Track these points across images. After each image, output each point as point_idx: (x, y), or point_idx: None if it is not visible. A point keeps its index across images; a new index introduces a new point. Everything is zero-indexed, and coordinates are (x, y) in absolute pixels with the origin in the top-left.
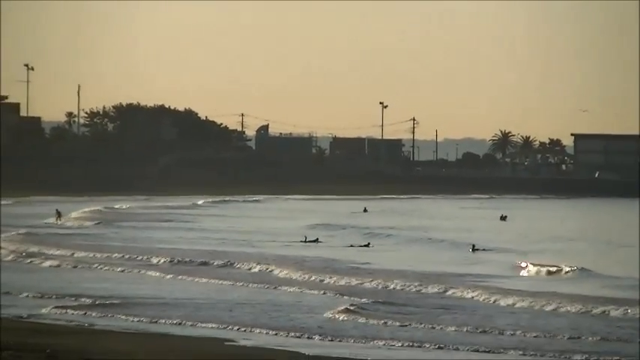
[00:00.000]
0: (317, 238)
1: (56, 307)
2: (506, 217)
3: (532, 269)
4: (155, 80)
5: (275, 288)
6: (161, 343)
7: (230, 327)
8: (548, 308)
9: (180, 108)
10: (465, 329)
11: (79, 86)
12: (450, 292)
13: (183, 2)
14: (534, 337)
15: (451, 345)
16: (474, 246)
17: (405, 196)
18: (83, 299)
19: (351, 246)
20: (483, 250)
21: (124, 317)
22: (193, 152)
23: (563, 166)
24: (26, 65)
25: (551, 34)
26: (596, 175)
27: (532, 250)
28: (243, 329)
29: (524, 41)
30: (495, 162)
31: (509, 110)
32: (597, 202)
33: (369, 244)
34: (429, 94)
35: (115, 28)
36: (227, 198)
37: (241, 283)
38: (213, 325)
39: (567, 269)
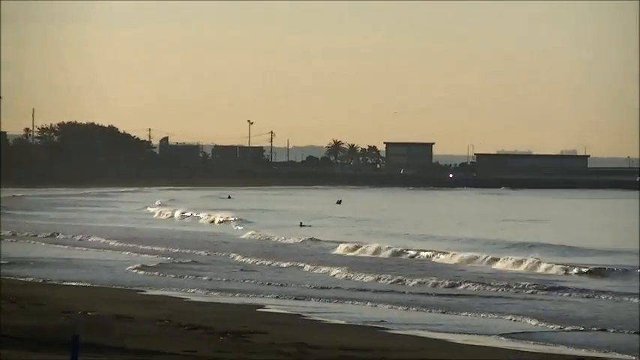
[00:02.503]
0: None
1: None
2: (340, 201)
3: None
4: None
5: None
6: None
7: (50, 280)
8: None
9: (106, 124)
10: (210, 278)
11: (33, 109)
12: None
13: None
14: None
15: (198, 289)
16: (301, 223)
17: (265, 188)
18: None
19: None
20: (309, 225)
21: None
22: (114, 157)
23: (378, 165)
24: None
25: (365, 47)
26: (401, 171)
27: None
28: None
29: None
30: (330, 163)
31: (340, 121)
32: (400, 191)
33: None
34: (283, 111)
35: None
36: (131, 189)
37: (66, 247)
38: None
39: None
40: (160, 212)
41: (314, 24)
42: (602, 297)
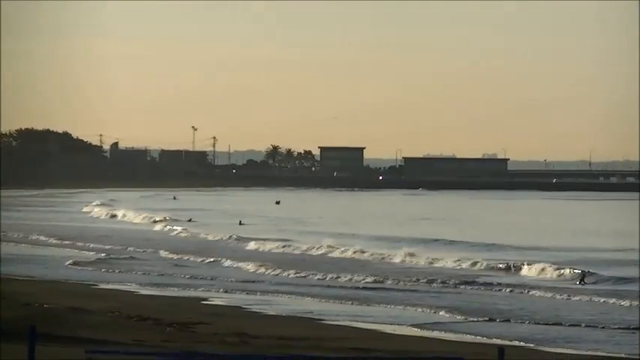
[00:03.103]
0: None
1: None
2: (279, 201)
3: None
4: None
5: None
6: None
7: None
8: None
9: (60, 130)
10: (147, 272)
11: None
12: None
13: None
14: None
15: (142, 283)
16: (240, 221)
17: (209, 189)
18: None
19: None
20: (248, 224)
21: None
22: (68, 161)
23: (313, 168)
24: None
25: (302, 59)
26: (335, 174)
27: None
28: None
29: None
30: (268, 166)
31: (279, 127)
32: (333, 192)
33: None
34: (225, 118)
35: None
36: (82, 190)
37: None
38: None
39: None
40: (99, 212)
41: (254, 35)
42: (507, 290)
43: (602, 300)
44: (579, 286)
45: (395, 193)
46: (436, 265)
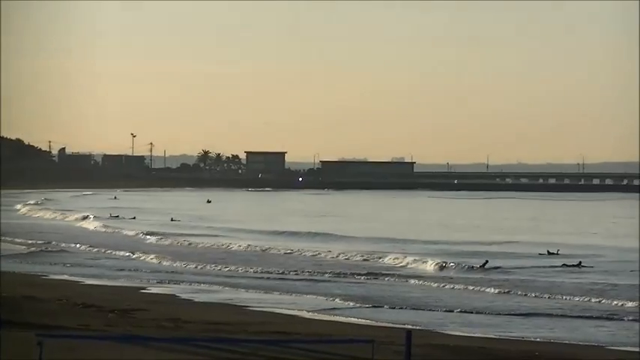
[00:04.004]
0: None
1: None
2: (210, 200)
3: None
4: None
5: None
6: None
7: None
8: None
9: (13, 137)
10: (79, 264)
11: None
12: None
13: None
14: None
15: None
16: (172, 218)
17: (147, 190)
18: None
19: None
20: (179, 220)
21: None
22: (20, 165)
23: (240, 171)
24: None
25: (232, 72)
26: (259, 176)
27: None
28: None
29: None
30: (200, 169)
31: (209, 133)
32: (258, 192)
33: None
34: (161, 125)
35: None
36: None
37: None
38: None
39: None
40: (31, 210)
41: (193, 51)
42: (390, 280)
43: (472, 288)
44: (478, 272)
45: (308, 193)
46: (330, 257)
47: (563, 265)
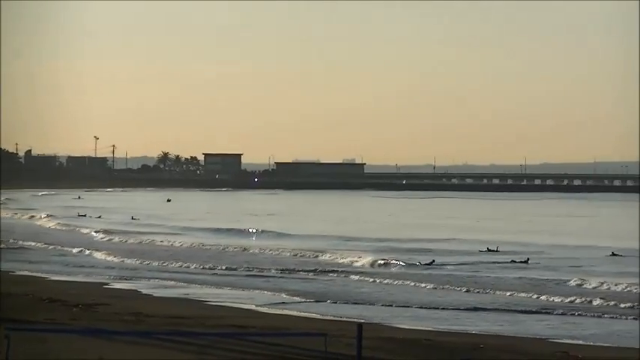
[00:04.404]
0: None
1: None
2: (170, 200)
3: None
4: None
5: None
6: None
7: None
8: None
9: None
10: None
11: None
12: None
13: None
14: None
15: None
16: (132, 216)
17: (110, 190)
18: None
19: None
20: (138, 219)
21: None
22: None
23: (198, 172)
24: None
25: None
26: (217, 176)
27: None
28: None
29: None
30: (160, 170)
31: (168, 136)
32: (215, 192)
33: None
34: (124, 128)
35: None
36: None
37: None
38: None
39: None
40: None
41: (155, 53)
42: (337, 276)
43: (418, 284)
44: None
45: (261, 193)
46: (274, 254)
47: (512, 261)
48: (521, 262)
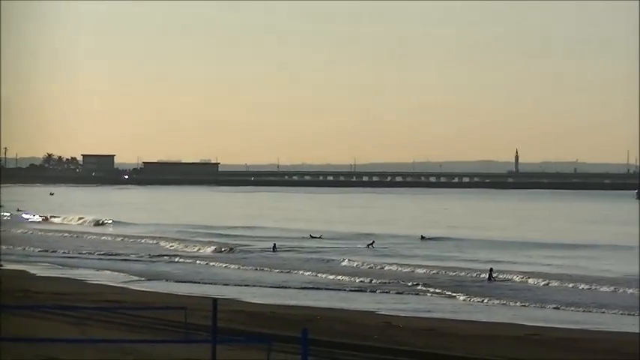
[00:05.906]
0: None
1: None
2: (53, 193)
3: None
4: None
5: None
6: None
7: None
8: None
9: None
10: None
11: None
12: None
13: None
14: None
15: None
16: (18, 209)
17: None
18: None
19: None
20: (27, 213)
21: None
22: None
23: (77, 170)
24: None
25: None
26: (93, 174)
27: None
28: None
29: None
30: (45, 169)
31: (50, 138)
32: (91, 188)
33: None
34: (11, 131)
35: None
36: None
37: None
38: None
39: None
40: None
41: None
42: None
43: (262, 269)
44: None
45: (128, 189)
46: (130, 240)
47: (368, 246)
48: (369, 245)
